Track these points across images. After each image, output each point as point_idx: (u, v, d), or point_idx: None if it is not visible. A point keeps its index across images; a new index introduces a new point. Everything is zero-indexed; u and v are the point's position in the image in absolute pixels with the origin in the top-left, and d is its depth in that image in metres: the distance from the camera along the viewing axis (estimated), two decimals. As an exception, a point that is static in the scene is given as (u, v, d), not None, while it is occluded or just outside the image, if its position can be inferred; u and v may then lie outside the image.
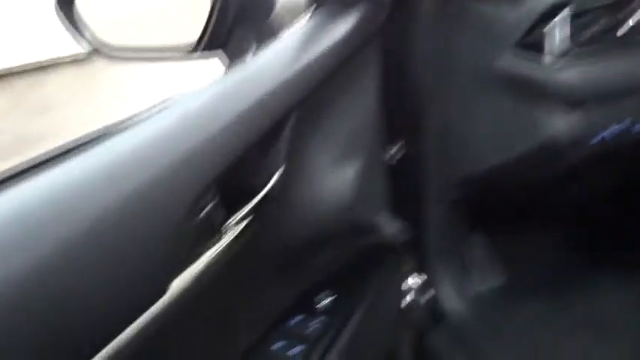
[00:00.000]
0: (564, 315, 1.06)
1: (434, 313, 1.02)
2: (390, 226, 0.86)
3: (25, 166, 0.48)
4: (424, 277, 1.01)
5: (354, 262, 0.82)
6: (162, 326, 0.51)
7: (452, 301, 1.01)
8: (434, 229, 0.99)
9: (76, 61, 3.69)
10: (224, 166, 0.56)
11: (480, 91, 0.88)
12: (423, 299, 1.02)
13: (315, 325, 0.73)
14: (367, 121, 0.80)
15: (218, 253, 0.57)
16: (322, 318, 0.74)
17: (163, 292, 0.50)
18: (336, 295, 0.77)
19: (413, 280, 0.98)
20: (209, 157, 0.55)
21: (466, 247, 1.06)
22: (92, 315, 0.45)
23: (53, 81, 3.72)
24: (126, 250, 0.48)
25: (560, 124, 0.83)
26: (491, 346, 0.97)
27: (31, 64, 3.78)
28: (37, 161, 0.48)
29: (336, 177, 0.75)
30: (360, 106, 0.78)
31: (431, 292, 1.02)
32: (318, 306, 0.76)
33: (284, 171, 0.65)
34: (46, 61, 3.82)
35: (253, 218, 0.62)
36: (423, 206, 0.98)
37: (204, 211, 0.54)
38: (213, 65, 0.83)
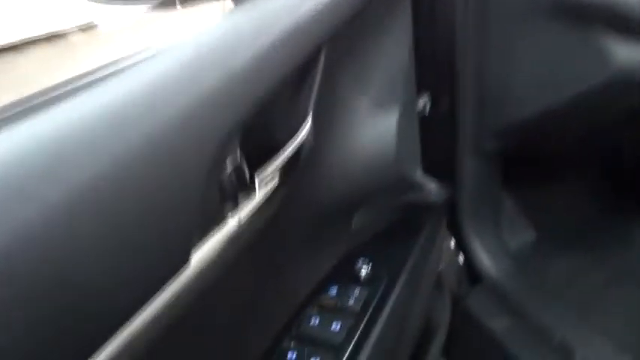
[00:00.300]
0: (603, 267, 1.01)
1: (469, 274, 0.96)
2: (426, 185, 0.80)
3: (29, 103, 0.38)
4: (458, 237, 0.95)
5: (391, 224, 0.76)
6: (187, 297, 0.44)
7: (488, 261, 0.95)
8: (468, 186, 0.92)
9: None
10: (245, 110, 0.47)
11: (526, 22, 0.78)
12: (459, 261, 0.96)
13: (355, 296, 0.67)
14: (400, 70, 0.73)
15: (244, 218, 0.50)
16: (363, 288, 0.68)
17: (186, 259, 0.43)
18: (374, 262, 0.70)
19: (449, 242, 0.93)
20: (228, 98, 0.45)
21: (500, 204, 0.99)
22: (103, 287, 0.37)
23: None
24: (139, 209, 0.38)
25: (634, 54, 0.71)
26: (531, 304, 0.92)
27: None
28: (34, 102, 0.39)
29: (369, 130, 0.68)
30: (392, 52, 0.70)
31: (466, 253, 0.96)
32: (358, 275, 0.69)
33: (313, 122, 0.58)
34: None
35: (282, 176, 0.55)
36: (457, 161, 0.91)
37: (227, 169, 0.47)
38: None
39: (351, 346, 0.61)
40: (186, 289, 0.43)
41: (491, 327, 0.92)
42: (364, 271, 0.69)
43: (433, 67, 0.84)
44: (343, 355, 0.60)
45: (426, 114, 0.86)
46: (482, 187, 0.93)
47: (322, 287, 0.68)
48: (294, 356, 0.60)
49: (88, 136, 0.36)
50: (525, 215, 1.04)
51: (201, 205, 0.42)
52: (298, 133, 0.57)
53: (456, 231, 0.94)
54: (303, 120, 0.58)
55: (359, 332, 0.62)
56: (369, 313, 0.65)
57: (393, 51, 0.71)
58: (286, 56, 0.51)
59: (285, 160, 0.55)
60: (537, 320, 0.89)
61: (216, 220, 0.47)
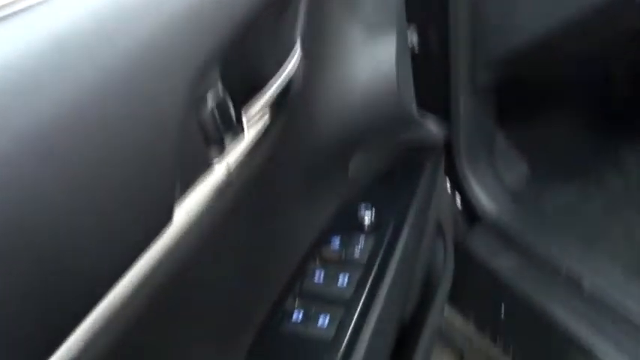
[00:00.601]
0: (600, 194, 0.99)
1: (467, 215, 0.93)
2: (425, 123, 0.75)
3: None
4: (454, 177, 0.92)
5: (391, 167, 0.71)
6: (175, 257, 0.39)
7: (485, 199, 0.92)
8: (462, 124, 0.88)
9: None
10: (224, 36, 0.40)
11: None
12: (457, 201, 0.93)
13: (360, 246, 0.62)
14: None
15: (232, 163, 0.44)
16: (368, 237, 0.63)
17: (169, 217, 0.38)
18: (377, 209, 0.66)
19: (447, 183, 0.89)
20: (203, 22, 0.39)
21: (494, 140, 0.96)
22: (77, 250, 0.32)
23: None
24: (109, 159, 0.32)
25: None
26: (533, 238, 0.89)
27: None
28: None
29: (364, 60, 0.62)
30: None
31: (463, 193, 0.93)
32: (361, 223, 0.65)
33: (303, 52, 0.52)
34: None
35: (272, 114, 0.49)
36: (450, 99, 0.87)
37: (209, 105, 0.41)
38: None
39: (362, 300, 0.57)
40: (173, 248, 0.39)
41: (496, 266, 0.89)
42: (367, 219, 0.65)
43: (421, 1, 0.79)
44: (355, 311, 0.55)
45: (415, 48, 0.80)
46: (476, 124, 0.89)
47: (324, 239, 0.63)
48: (300, 316, 0.55)
49: (47, 69, 0.30)
50: (519, 150, 1.01)
51: (181, 150, 0.36)
52: (286, 63, 0.51)
53: (452, 171, 0.90)
54: (291, 49, 0.52)
55: (368, 285, 0.58)
56: (376, 264, 0.61)
57: None
58: None
59: (275, 94, 0.49)
60: (541, 254, 0.87)
61: (201, 168, 0.41)
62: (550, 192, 0.99)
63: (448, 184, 0.92)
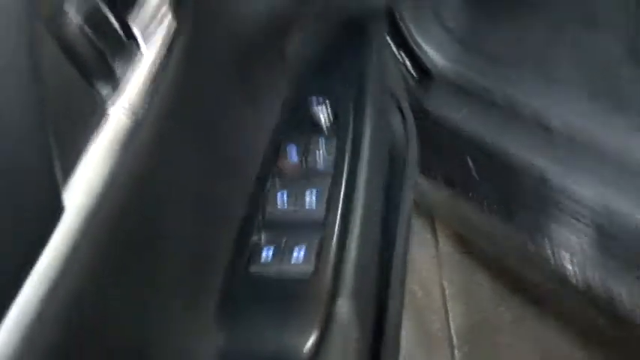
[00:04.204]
0: (547, 23, 0.92)
1: (419, 73, 0.85)
2: None
3: None
4: (399, 36, 0.82)
5: (332, 45, 0.60)
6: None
7: (435, 53, 0.84)
8: None
9: None
10: None
11: None
12: (406, 63, 0.84)
13: (322, 153, 0.53)
14: None
15: (135, 95, 0.34)
16: (328, 140, 0.54)
17: (57, 204, 0.29)
18: (330, 100, 0.55)
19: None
20: None
21: None
22: None
23: None
24: None
25: None
26: (487, 81, 0.83)
27: None
28: None
29: None
30: None
31: (409, 52, 0.84)
32: (317, 123, 0.55)
33: None
34: None
35: (175, 13, 0.38)
36: None
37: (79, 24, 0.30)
38: None
39: (337, 221, 0.49)
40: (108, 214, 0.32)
41: (457, 120, 0.84)
42: (323, 116, 0.55)
43: None
44: (332, 236, 0.48)
45: None
46: None
47: (277, 148, 0.54)
48: (270, 253, 0.47)
49: None
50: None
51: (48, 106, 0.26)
52: None
53: (395, 30, 0.80)
54: None
55: (341, 201, 0.50)
56: (344, 172, 0.52)
57: None
58: None
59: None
60: (502, 99, 0.81)
61: (91, 121, 0.30)
62: (498, 30, 0.91)
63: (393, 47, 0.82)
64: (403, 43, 0.83)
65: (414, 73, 0.86)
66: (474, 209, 0.88)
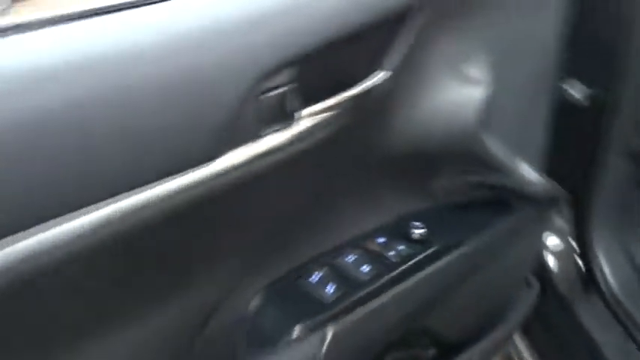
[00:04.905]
0: None
1: (585, 281, 0.88)
2: (527, 175, 0.75)
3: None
4: (581, 240, 0.88)
5: (472, 201, 0.74)
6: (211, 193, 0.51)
7: (610, 272, 0.86)
8: (601, 188, 0.84)
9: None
10: (303, 43, 0.51)
11: None
12: (570, 264, 0.89)
13: (399, 250, 0.68)
14: (540, 41, 0.70)
15: (286, 139, 0.54)
16: (410, 246, 0.68)
17: (213, 156, 0.50)
18: (430, 229, 0.70)
19: (556, 242, 0.86)
20: (282, 27, 0.50)
21: (633, 211, 0.88)
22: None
23: None
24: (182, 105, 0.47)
25: None
26: None
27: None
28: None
29: (456, 95, 0.66)
30: (528, 28, 0.68)
31: (585, 258, 0.88)
32: (411, 236, 0.69)
33: (395, 73, 0.60)
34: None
35: (340, 113, 0.58)
36: (594, 159, 0.83)
37: (275, 91, 0.52)
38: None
39: (371, 287, 0.64)
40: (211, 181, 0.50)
41: (602, 340, 0.85)
42: (417, 233, 0.70)
43: (587, 50, 0.77)
44: (360, 292, 0.63)
45: (566, 102, 0.80)
46: (614, 190, 0.84)
47: (370, 234, 0.71)
48: (317, 279, 0.66)
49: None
50: None
51: (230, 113, 0.49)
52: (366, 79, 0.60)
53: (579, 233, 0.86)
54: (375, 69, 0.60)
55: (385, 280, 0.65)
56: (405, 267, 0.66)
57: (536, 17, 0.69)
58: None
59: (351, 97, 0.58)
60: None
61: (253, 130, 0.53)
62: None
63: (572, 244, 0.88)
64: (582, 244, 0.87)
65: (582, 274, 0.89)
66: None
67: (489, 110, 0.67)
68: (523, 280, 0.83)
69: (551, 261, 0.91)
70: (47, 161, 0.43)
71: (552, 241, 0.91)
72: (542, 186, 0.76)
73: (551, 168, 0.79)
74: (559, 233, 0.90)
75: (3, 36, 0.43)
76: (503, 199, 0.76)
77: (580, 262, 0.89)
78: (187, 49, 0.47)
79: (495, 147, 0.71)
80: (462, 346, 0.78)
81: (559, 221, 0.89)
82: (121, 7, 0.47)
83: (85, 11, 0.46)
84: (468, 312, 0.79)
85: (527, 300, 0.84)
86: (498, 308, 0.82)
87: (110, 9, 0.47)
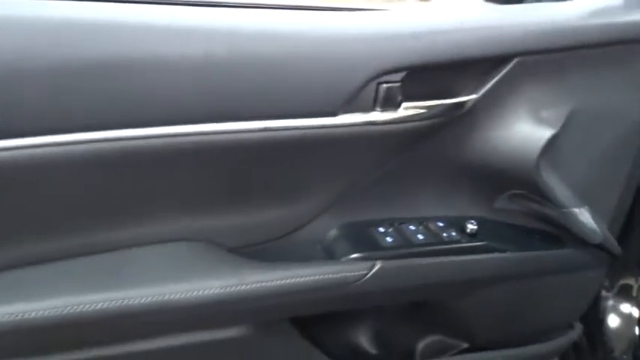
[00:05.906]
0: None
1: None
2: (591, 221, 0.83)
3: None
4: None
5: (523, 225, 0.86)
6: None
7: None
8: None
9: None
10: (423, 59, 0.73)
11: None
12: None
13: (452, 234, 0.82)
14: (626, 111, 0.82)
15: (389, 118, 0.73)
16: (463, 235, 0.82)
17: (335, 112, 0.71)
18: (482, 230, 0.82)
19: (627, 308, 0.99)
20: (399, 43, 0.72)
21: None
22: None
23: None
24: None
25: None
26: None
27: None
28: None
29: (537, 130, 0.78)
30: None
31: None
32: (467, 227, 0.83)
33: (483, 94, 0.77)
34: None
35: (434, 113, 0.75)
36: None
37: (391, 84, 0.72)
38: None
39: (417, 249, 0.79)
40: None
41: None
42: (470, 227, 0.83)
43: None
44: (407, 249, 0.79)
45: None
46: None
47: (434, 219, 0.85)
48: (383, 230, 0.82)
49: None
50: None
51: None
52: (460, 96, 0.77)
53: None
54: (470, 92, 0.78)
55: (431, 247, 0.79)
56: (450, 246, 0.80)
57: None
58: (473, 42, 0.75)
59: (438, 104, 0.76)
60: None
61: (363, 105, 0.72)
62: None
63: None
64: None
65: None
66: None
67: (556, 150, 0.79)
68: (564, 315, 0.93)
69: (612, 322, 1.02)
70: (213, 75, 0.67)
71: (624, 307, 1.01)
72: (599, 237, 0.83)
73: (621, 234, 0.88)
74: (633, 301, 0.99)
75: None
76: (556, 234, 0.87)
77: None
78: (344, 41, 0.71)
79: (556, 183, 0.80)
80: (488, 344, 0.89)
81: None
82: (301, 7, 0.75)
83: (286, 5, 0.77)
84: (500, 313, 0.90)
85: (562, 338, 0.94)
86: (531, 326, 0.92)
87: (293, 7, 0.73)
